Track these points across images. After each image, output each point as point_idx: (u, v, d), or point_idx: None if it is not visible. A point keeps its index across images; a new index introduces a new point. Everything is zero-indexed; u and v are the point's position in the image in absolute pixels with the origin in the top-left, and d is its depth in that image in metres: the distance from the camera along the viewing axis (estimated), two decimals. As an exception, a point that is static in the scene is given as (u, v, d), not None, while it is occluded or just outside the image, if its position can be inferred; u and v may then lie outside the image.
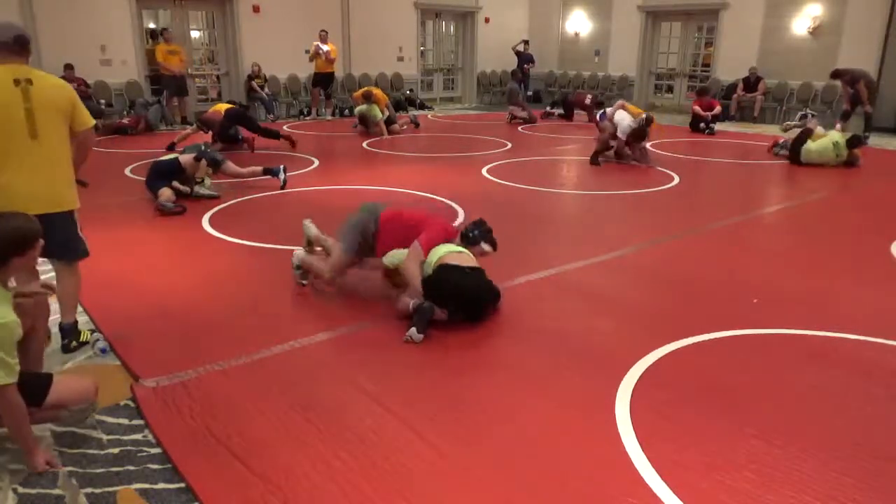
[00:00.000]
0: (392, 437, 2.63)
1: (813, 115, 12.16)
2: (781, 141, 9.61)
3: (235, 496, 2.27)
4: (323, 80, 13.09)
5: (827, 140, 8.89)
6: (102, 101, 11.29)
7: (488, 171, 8.15)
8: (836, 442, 2.62)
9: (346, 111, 12.89)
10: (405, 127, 11.87)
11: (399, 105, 14.21)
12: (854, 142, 8.85)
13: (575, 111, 13.76)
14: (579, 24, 16.92)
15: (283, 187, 7.00)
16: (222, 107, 9.44)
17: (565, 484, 2.35)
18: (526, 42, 16.35)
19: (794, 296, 4.23)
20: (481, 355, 3.39)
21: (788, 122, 10.49)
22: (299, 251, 4.34)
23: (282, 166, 7.14)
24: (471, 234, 4.01)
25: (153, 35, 12.38)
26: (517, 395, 2.97)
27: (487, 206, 6.51)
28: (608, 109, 9.61)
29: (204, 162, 6.56)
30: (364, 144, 10.31)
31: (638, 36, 15.76)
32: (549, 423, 2.74)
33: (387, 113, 11.48)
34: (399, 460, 2.48)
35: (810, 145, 8.89)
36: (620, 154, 8.98)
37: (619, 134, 8.85)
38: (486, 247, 4.02)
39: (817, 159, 8.80)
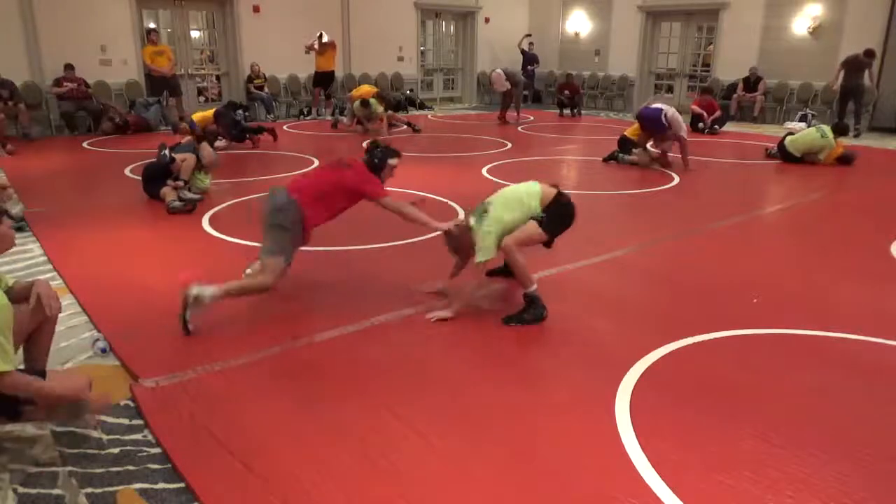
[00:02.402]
0: (392, 437, 2.62)
1: (813, 115, 12.19)
2: (770, 149, 9.52)
3: (235, 496, 2.27)
4: (324, 79, 13.08)
5: (811, 129, 8.99)
6: (102, 102, 11.25)
7: (488, 171, 8.15)
8: (836, 442, 2.62)
9: (346, 111, 12.87)
10: (403, 127, 11.87)
11: (399, 105, 14.21)
12: (839, 128, 8.92)
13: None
14: (579, 23, 16.93)
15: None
16: (208, 113, 9.38)
17: (565, 484, 2.35)
18: (529, 36, 16.14)
19: (793, 295, 4.23)
20: (482, 355, 3.39)
21: (789, 124, 10.48)
22: (207, 289, 3.50)
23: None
24: (376, 161, 3.99)
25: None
26: (517, 394, 2.97)
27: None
28: (664, 108, 8.44)
29: (190, 161, 6.45)
30: (364, 144, 10.28)
31: (638, 36, 15.76)
32: (549, 423, 2.74)
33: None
34: (399, 460, 2.48)
35: (793, 136, 8.97)
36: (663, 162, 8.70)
37: (682, 133, 8.38)
38: (393, 161, 4.06)
39: (804, 146, 8.84)
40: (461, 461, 2.48)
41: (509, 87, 12.70)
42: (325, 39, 12.58)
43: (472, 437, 2.63)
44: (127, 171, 7.89)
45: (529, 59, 15.87)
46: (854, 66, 11.13)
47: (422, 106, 15.45)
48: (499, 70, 12.81)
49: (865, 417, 2.83)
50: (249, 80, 12.91)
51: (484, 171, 8.20)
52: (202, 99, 13.54)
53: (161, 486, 2.35)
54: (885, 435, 2.69)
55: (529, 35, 16.12)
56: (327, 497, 2.27)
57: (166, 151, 6.45)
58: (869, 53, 11.04)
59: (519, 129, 12.29)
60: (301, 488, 2.31)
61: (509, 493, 2.30)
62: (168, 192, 6.16)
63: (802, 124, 10.21)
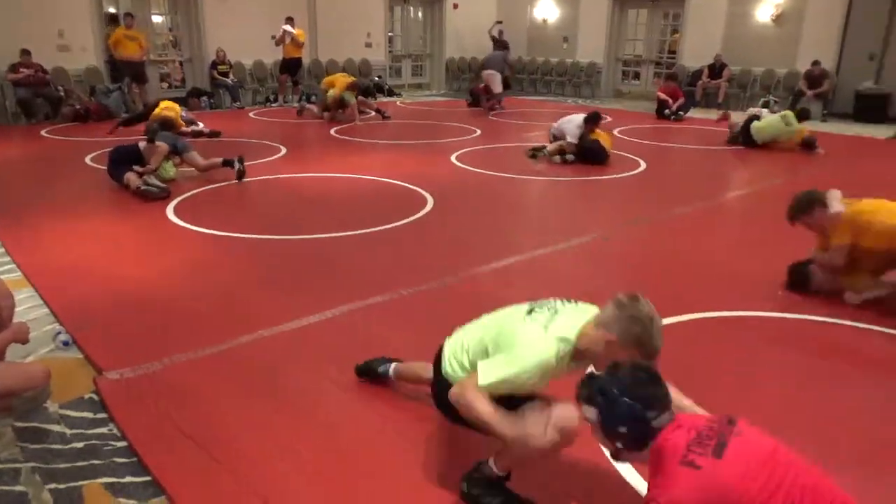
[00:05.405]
0: (361, 426, 2.63)
1: (776, 102, 12.42)
2: (735, 130, 9.63)
3: (203, 488, 2.25)
4: (291, 66, 12.90)
5: (775, 115, 9.17)
6: (61, 88, 10.93)
7: (457, 158, 8.15)
8: (816, 424, 2.69)
9: (314, 97, 12.73)
10: (372, 114, 11.79)
11: (368, 91, 14.08)
12: (803, 114, 9.13)
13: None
14: (547, 10, 16.94)
15: (239, 179, 6.69)
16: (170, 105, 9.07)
17: (533, 465, 2.38)
18: (499, 23, 15.94)
19: (760, 278, 4.31)
20: (450, 342, 3.40)
21: (753, 110, 10.61)
22: None
23: (236, 158, 6.75)
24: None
25: (113, 19, 12.02)
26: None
27: (457, 193, 6.52)
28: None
29: (164, 149, 6.34)
30: (332, 132, 10.21)
31: (605, 23, 15.83)
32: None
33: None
34: (369, 448, 2.48)
35: (759, 123, 9.13)
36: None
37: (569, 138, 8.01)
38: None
39: (770, 132, 9.01)
40: (431, 449, 2.49)
41: (502, 84, 12.57)
42: (290, 29, 12.36)
43: (441, 425, 2.63)
44: (88, 160, 7.70)
45: (501, 46, 15.71)
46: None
47: (390, 93, 15.33)
48: (489, 70, 12.50)
49: (842, 400, 2.91)
50: (214, 66, 12.67)
51: (453, 157, 8.19)
52: (165, 85, 13.26)
53: (128, 479, 2.33)
54: (861, 415, 2.77)
55: (500, 22, 16.00)
56: (298, 488, 2.27)
57: (156, 125, 6.45)
58: None
59: (489, 116, 12.27)
60: (272, 480, 2.30)
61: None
62: (132, 179, 6.04)
63: (765, 110, 10.38)
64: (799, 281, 4.05)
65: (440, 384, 2.27)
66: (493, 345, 2.13)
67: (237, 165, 6.70)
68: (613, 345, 1.94)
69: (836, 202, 3.80)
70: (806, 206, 3.92)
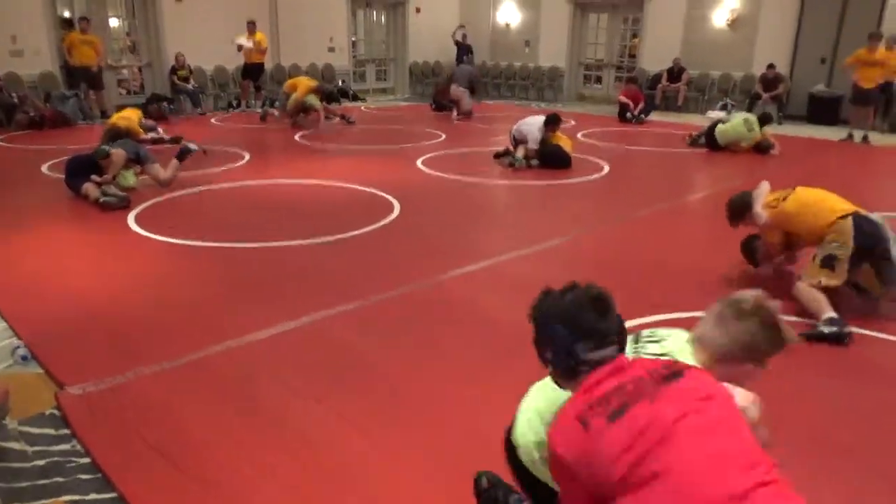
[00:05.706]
0: (333, 435, 2.61)
1: (732, 105, 12.73)
2: (695, 134, 9.91)
3: (172, 503, 2.22)
4: (253, 71, 12.75)
5: (737, 119, 9.45)
6: (15, 94, 10.62)
7: (423, 163, 8.16)
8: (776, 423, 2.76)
9: (277, 103, 12.59)
10: (336, 119, 11.71)
11: (331, 96, 13.98)
12: (765, 119, 9.44)
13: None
14: (510, 14, 17.07)
15: (205, 152, 7.05)
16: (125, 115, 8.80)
17: (504, 476, 2.40)
18: (462, 27, 15.96)
19: (720, 277, 4.41)
20: (417, 349, 3.40)
21: (711, 113, 10.85)
22: None
23: (183, 143, 6.91)
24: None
25: (67, 23, 11.72)
26: (459, 389, 3.00)
27: (423, 198, 6.52)
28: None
29: (120, 158, 6.20)
30: (296, 137, 10.13)
31: (567, 27, 16.03)
32: (489, 417, 2.77)
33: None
34: (341, 458, 2.47)
35: (723, 126, 9.39)
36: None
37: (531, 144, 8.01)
38: None
39: (733, 136, 9.26)
40: (402, 456, 2.49)
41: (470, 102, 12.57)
42: (246, 43, 12.16)
43: (416, 434, 2.64)
44: (45, 169, 7.51)
45: (464, 50, 15.81)
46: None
47: (355, 97, 15.26)
48: (459, 88, 12.37)
49: (793, 393, 3.00)
50: (173, 71, 12.45)
51: (419, 162, 8.20)
52: (123, 91, 13.00)
53: (93, 496, 2.27)
54: (818, 413, 2.85)
55: (463, 26, 16.10)
56: (267, 499, 2.24)
57: (106, 147, 6.27)
58: None
59: (454, 121, 12.30)
60: (243, 492, 2.27)
61: (451, 487, 2.33)
62: (91, 189, 5.91)
63: (723, 113, 10.64)
64: (748, 252, 4.51)
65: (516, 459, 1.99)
66: None
67: (191, 146, 6.72)
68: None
69: (762, 209, 4.10)
70: (740, 213, 4.29)
